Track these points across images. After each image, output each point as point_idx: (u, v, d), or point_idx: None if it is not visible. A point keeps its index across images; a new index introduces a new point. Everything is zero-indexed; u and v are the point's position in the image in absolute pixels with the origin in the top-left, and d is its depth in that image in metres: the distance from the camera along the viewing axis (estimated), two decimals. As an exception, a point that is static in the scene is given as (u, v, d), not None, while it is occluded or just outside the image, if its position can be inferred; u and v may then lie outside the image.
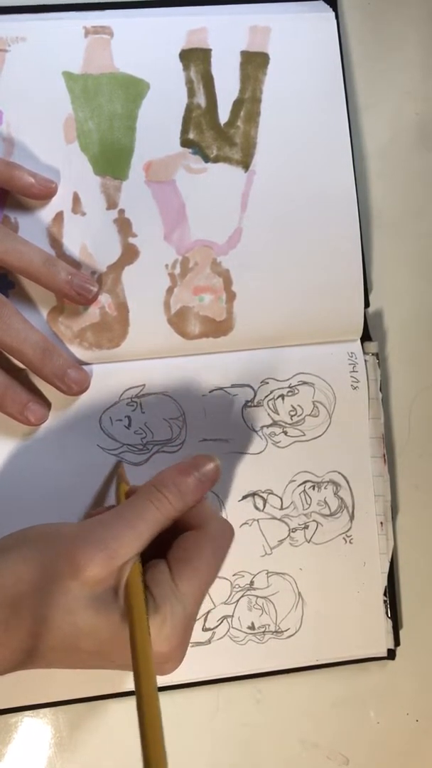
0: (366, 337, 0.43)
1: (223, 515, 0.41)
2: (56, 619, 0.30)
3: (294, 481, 0.42)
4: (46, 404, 0.39)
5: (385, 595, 0.42)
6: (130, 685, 0.40)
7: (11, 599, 0.30)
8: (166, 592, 0.31)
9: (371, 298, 0.44)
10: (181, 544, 0.33)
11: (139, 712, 0.27)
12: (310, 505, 0.42)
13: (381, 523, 0.43)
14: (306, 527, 0.42)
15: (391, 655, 0.43)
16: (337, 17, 0.43)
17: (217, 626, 0.41)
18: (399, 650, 0.43)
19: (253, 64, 0.42)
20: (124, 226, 0.41)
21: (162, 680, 0.40)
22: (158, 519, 0.32)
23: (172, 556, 0.33)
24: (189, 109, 0.41)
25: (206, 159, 0.41)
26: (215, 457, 0.35)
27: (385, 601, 0.42)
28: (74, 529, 0.32)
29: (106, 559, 0.30)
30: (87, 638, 0.30)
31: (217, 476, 0.35)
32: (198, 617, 0.40)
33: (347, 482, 0.42)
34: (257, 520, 0.41)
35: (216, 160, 0.41)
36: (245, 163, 0.42)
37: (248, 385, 0.42)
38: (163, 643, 0.31)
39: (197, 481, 0.34)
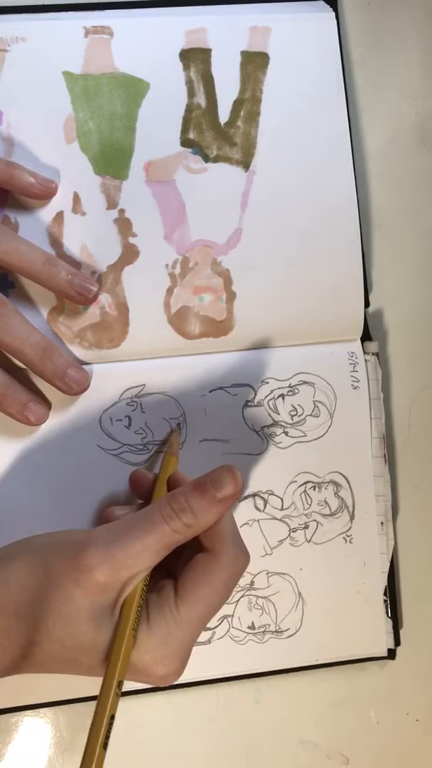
0: (366, 336, 0.43)
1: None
2: (58, 631, 0.30)
3: (295, 481, 0.42)
4: (46, 404, 0.39)
5: (385, 594, 0.42)
6: (130, 685, 0.40)
7: (15, 607, 0.30)
8: (165, 616, 0.31)
9: (371, 298, 0.44)
10: (191, 568, 0.32)
11: (89, 730, 0.29)
12: (310, 505, 0.42)
13: (381, 522, 0.43)
14: (306, 527, 0.42)
15: (391, 654, 0.43)
16: (337, 17, 0.43)
17: (217, 626, 0.41)
18: (399, 650, 0.43)
19: (253, 64, 0.42)
20: (124, 226, 0.41)
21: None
22: (169, 538, 0.31)
23: (180, 579, 0.32)
24: (189, 109, 0.41)
25: (206, 159, 0.41)
26: (234, 470, 0.33)
27: (385, 601, 0.42)
28: (81, 537, 0.32)
29: (112, 567, 0.30)
30: (85, 653, 0.30)
31: (237, 492, 0.32)
32: (193, 647, 0.40)
33: (348, 482, 0.42)
34: (258, 521, 0.41)
35: (216, 160, 0.41)
36: (245, 163, 0.42)
37: (248, 385, 0.42)
38: (158, 664, 0.30)
39: (214, 502, 0.32)
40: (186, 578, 0.32)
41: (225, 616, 0.41)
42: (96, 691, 0.39)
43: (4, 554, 0.33)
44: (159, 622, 0.31)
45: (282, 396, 0.42)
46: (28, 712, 0.40)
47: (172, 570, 0.33)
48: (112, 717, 0.29)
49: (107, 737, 0.28)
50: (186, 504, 0.32)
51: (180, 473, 0.36)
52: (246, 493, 0.41)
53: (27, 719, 0.40)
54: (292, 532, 0.42)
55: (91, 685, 0.40)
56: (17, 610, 0.30)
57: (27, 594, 0.30)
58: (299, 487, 0.42)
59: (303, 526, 0.42)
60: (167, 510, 0.32)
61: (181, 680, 0.40)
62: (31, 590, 0.30)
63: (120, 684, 0.30)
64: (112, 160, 0.40)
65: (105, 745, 0.28)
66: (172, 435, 0.40)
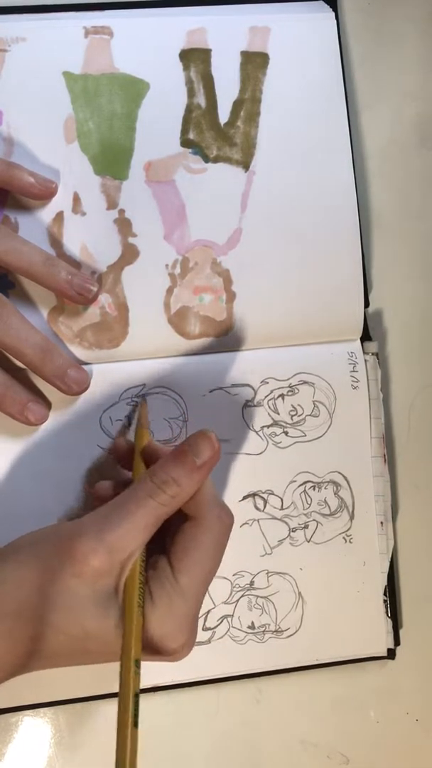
0: (366, 336, 0.43)
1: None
2: (62, 622, 0.30)
3: (294, 481, 0.42)
4: (46, 404, 0.39)
5: (385, 594, 0.42)
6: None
7: (14, 606, 0.30)
8: (166, 589, 0.31)
9: (371, 298, 0.44)
10: (180, 537, 0.33)
11: (118, 711, 0.28)
12: (310, 504, 0.42)
13: (381, 522, 0.43)
14: (306, 527, 0.42)
15: (391, 654, 0.43)
16: (337, 17, 0.43)
17: (217, 626, 0.41)
18: (399, 650, 0.43)
19: (253, 64, 0.42)
20: (124, 226, 0.41)
21: (162, 680, 0.41)
22: (157, 512, 0.32)
23: (172, 551, 0.33)
24: (189, 109, 0.41)
25: (206, 159, 0.41)
26: (210, 433, 0.33)
27: (385, 601, 0.42)
28: (70, 527, 0.32)
29: (107, 551, 0.30)
30: (94, 640, 0.30)
31: (216, 455, 0.33)
32: (198, 616, 0.40)
33: (347, 482, 0.42)
34: (257, 520, 0.41)
35: (216, 160, 0.41)
36: (245, 163, 0.42)
37: (248, 385, 0.42)
38: (168, 638, 0.31)
39: (195, 468, 0.32)
40: (177, 548, 0.32)
41: (225, 616, 0.41)
42: (96, 691, 0.40)
43: None
44: (161, 596, 0.31)
45: (282, 396, 0.42)
46: (28, 712, 0.40)
47: (163, 545, 0.34)
48: (137, 695, 0.29)
49: (136, 716, 0.28)
50: (167, 476, 0.32)
51: (153, 443, 0.36)
52: (246, 493, 0.42)
53: (27, 719, 0.40)
54: (292, 531, 0.42)
55: (92, 685, 0.40)
56: (18, 609, 0.30)
57: (25, 592, 0.30)
58: (299, 486, 0.42)
59: (303, 525, 0.42)
60: (150, 485, 0.32)
61: (181, 680, 0.40)
62: (29, 588, 0.30)
63: (138, 663, 0.29)
64: (112, 160, 0.40)
65: (135, 724, 0.28)
66: (140, 409, 0.40)
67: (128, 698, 0.28)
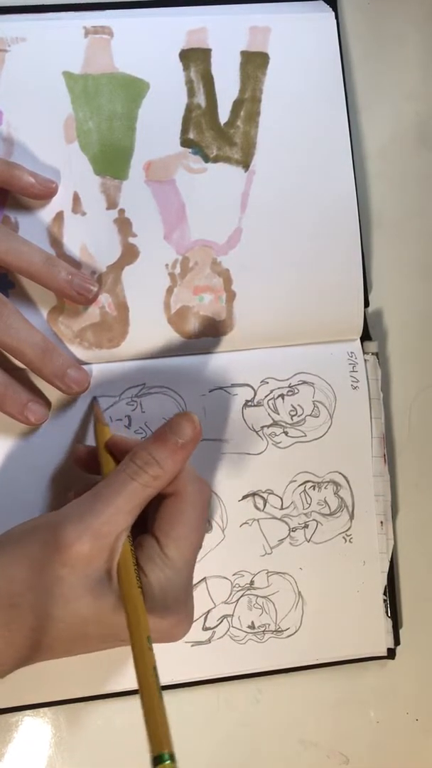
0: (366, 336, 0.43)
1: (223, 515, 0.41)
2: (58, 612, 0.30)
3: (294, 481, 0.42)
4: (46, 404, 0.39)
5: (384, 594, 0.42)
6: (130, 685, 0.40)
7: (8, 600, 0.30)
8: (158, 565, 0.31)
9: (371, 298, 0.44)
10: (162, 513, 0.33)
11: (140, 692, 0.28)
12: (310, 504, 0.42)
13: (381, 522, 0.43)
14: (306, 527, 0.42)
15: (390, 654, 0.43)
16: (337, 17, 0.43)
17: (217, 625, 0.41)
18: (399, 650, 0.43)
19: (253, 64, 0.42)
20: (124, 226, 0.41)
21: (162, 680, 0.41)
22: (140, 493, 0.32)
23: (156, 527, 0.33)
24: (189, 109, 0.41)
25: (206, 159, 0.41)
26: (191, 414, 0.34)
27: (384, 601, 0.42)
28: (53, 517, 0.32)
29: (91, 537, 0.30)
30: (93, 624, 0.31)
31: (197, 435, 0.33)
32: (198, 616, 0.40)
33: (347, 482, 0.42)
34: (257, 520, 0.41)
35: (216, 160, 0.41)
36: (245, 163, 0.42)
37: (248, 385, 0.42)
38: (167, 613, 0.31)
39: (176, 446, 0.33)
40: (162, 525, 0.33)
41: (225, 616, 0.41)
42: (96, 691, 0.40)
43: None
44: (155, 572, 0.31)
45: (282, 396, 0.42)
46: (28, 712, 0.40)
47: (143, 523, 0.34)
48: (155, 669, 0.29)
49: (160, 689, 0.28)
50: (150, 456, 0.32)
51: (117, 436, 0.36)
52: (246, 493, 0.42)
53: (27, 719, 0.40)
54: (292, 531, 0.42)
55: (92, 685, 0.40)
56: (12, 603, 0.30)
57: (18, 585, 0.30)
58: (299, 486, 0.42)
59: (303, 525, 0.42)
60: (132, 467, 0.32)
61: (181, 680, 0.40)
62: (21, 581, 0.30)
63: (149, 639, 0.29)
64: (112, 160, 0.40)
65: (161, 696, 0.28)
66: (94, 409, 0.39)
67: (149, 673, 0.28)
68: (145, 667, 0.28)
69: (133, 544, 0.32)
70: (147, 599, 0.31)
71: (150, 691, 0.28)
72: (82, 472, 0.39)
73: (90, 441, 0.40)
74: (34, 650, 0.31)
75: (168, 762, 0.26)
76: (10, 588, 0.30)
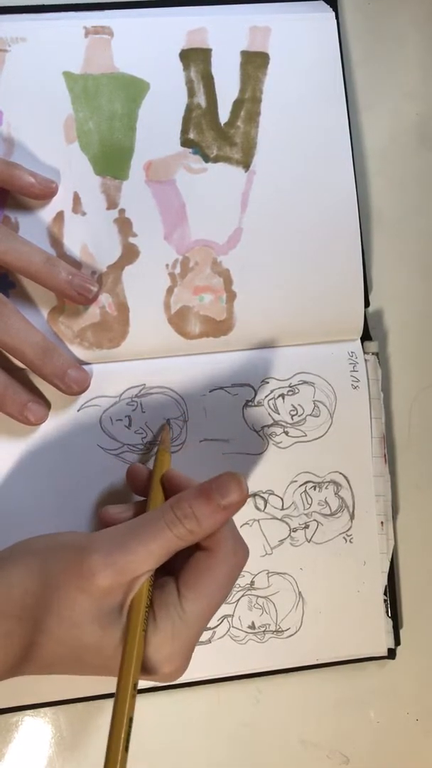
0: (366, 336, 0.43)
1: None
2: (62, 633, 0.30)
3: (295, 481, 0.42)
4: (46, 404, 0.39)
5: (385, 594, 0.42)
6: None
7: (18, 611, 0.30)
8: (170, 614, 0.31)
9: (371, 298, 0.44)
10: (192, 565, 0.32)
11: (109, 733, 0.28)
12: (310, 504, 0.42)
13: (381, 522, 0.43)
14: (306, 527, 0.42)
15: (391, 654, 0.43)
16: (337, 17, 0.43)
17: (217, 626, 0.41)
18: (399, 650, 0.43)
19: (253, 64, 0.42)
20: (124, 226, 0.41)
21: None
22: (172, 542, 0.31)
23: (182, 576, 0.32)
24: (189, 109, 0.41)
25: (206, 159, 0.41)
26: (240, 477, 0.32)
27: (385, 601, 0.42)
28: (82, 540, 0.32)
29: (116, 572, 0.30)
30: (91, 654, 0.30)
31: (243, 500, 0.32)
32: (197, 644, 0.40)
33: (348, 482, 0.42)
34: (258, 521, 0.41)
35: (216, 160, 0.41)
36: (245, 163, 0.42)
37: (248, 385, 0.42)
38: (164, 662, 0.31)
39: (219, 509, 0.31)
40: (188, 576, 0.32)
41: (225, 616, 0.41)
42: (96, 691, 0.40)
43: (5, 557, 0.32)
44: (165, 621, 0.31)
45: (282, 396, 0.42)
46: (28, 712, 0.40)
47: (170, 567, 0.33)
48: (131, 719, 0.29)
49: (128, 740, 0.28)
50: (190, 511, 0.31)
51: (174, 471, 0.36)
52: (246, 493, 0.42)
53: (27, 719, 0.40)
54: (293, 531, 0.42)
55: (91, 685, 0.40)
56: (20, 614, 0.30)
57: (30, 598, 0.30)
58: (299, 486, 0.42)
59: (303, 525, 0.42)
60: (171, 516, 0.31)
61: (181, 680, 0.40)
62: (33, 594, 0.30)
63: (135, 686, 0.29)
64: (112, 160, 0.40)
65: (126, 748, 0.28)
66: (162, 431, 0.40)
67: (122, 722, 0.28)
68: (121, 714, 0.28)
69: (152, 585, 0.32)
70: (148, 645, 0.30)
71: (116, 741, 0.28)
72: (82, 473, 0.39)
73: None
74: (28, 664, 0.31)
75: None
76: (22, 601, 0.30)
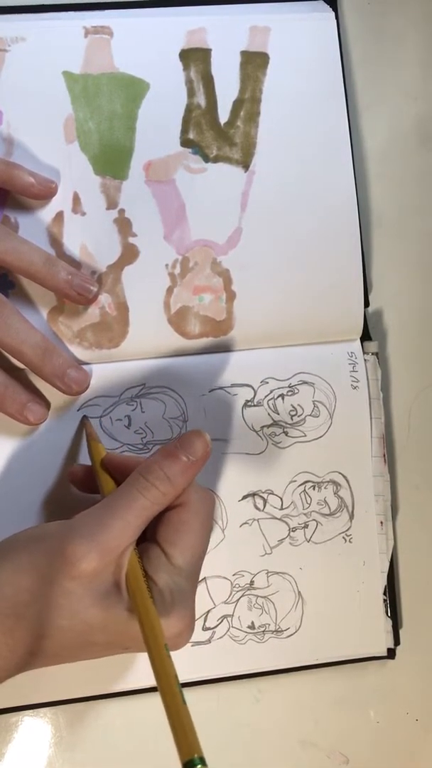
0: (366, 336, 0.43)
1: (223, 515, 0.41)
2: (65, 622, 0.30)
3: (294, 481, 0.42)
4: (46, 404, 0.39)
5: (384, 594, 0.42)
6: (130, 685, 0.40)
7: (13, 609, 0.30)
8: (165, 573, 0.32)
9: (371, 298, 0.44)
10: (168, 524, 0.33)
11: (162, 699, 0.28)
12: (310, 504, 0.42)
13: (381, 522, 0.43)
14: (306, 527, 0.42)
15: (390, 654, 0.43)
16: (337, 17, 0.43)
17: (217, 625, 0.41)
18: (399, 649, 0.43)
19: (253, 64, 0.42)
20: (124, 226, 0.41)
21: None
22: (148, 508, 0.32)
23: (162, 537, 0.33)
24: (189, 109, 0.41)
25: (206, 159, 0.41)
26: (203, 433, 0.34)
27: (384, 601, 0.42)
28: (62, 528, 0.32)
29: (99, 553, 0.30)
30: (99, 633, 0.31)
31: (208, 453, 0.34)
32: (198, 616, 0.40)
33: (347, 482, 0.42)
34: (257, 520, 0.41)
35: (216, 160, 0.41)
36: (245, 163, 0.42)
37: (248, 385, 0.42)
38: (175, 621, 0.31)
39: (187, 464, 0.33)
40: (167, 535, 0.33)
41: (225, 616, 0.41)
42: (96, 691, 0.40)
43: None
44: (164, 580, 0.31)
45: (282, 396, 0.42)
46: (28, 712, 0.40)
47: (146, 532, 0.34)
48: (176, 676, 0.29)
49: (183, 695, 0.28)
50: (161, 472, 0.32)
51: (111, 454, 0.37)
52: (246, 493, 0.42)
53: (27, 719, 0.40)
54: (292, 531, 0.42)
55: (92, 685, 0.40)
56: (16, 611, 0.30)
57: (22, 594, 0.30)
58: (299, 486, 0.42)
59: (303, 525, 0.42)
60: (143, 483, 0.32)
61: (181, 680, 0.40)
62: (26, 590, 0.30)
63: (166, 647, 0.29)
64: (112, 160, 0.40)
65: (183, 701, 0.28)
66: (85, 425, 0.39)
67: (172, 682, 0.28)
68: (167, 676, 0.28)
69: (139, 555, 0.32)
70: (158, 605, 0.31)
71: (175, 699, 0.28)
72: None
73: (84, 458, 0.40)
74: (38, 656, 0.31)
75: (199, 766, 0.26)
76: (16, 597, 0.30)
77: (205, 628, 0.41)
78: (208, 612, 0.41)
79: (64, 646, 0.31)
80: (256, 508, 0.42)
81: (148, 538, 0.34)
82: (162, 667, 0.29)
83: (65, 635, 0.30)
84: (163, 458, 0.33)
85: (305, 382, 0.42)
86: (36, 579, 0.30)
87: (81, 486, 0.38)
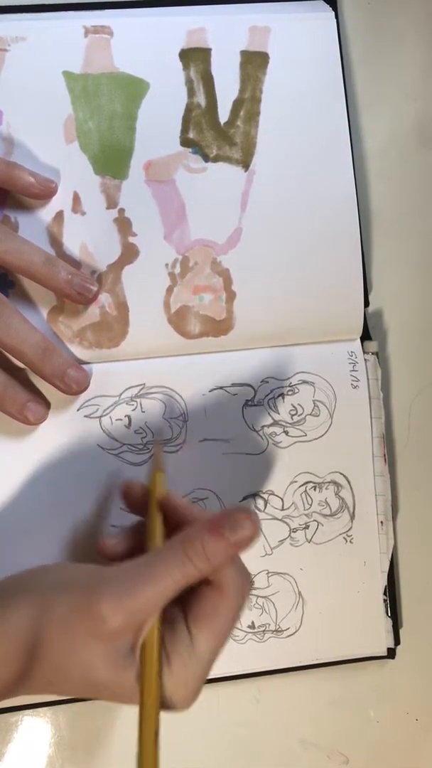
0: (366, 336, 0.43)
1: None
2: (76, 673, 0.30)
3: (295, 482, 0.42)
4: (46, 404, 0.39)
5: (385, 594, 0.42)
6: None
7: (29, 647, 0.30)
8: (183, 655, 0.31)
9: (371, 297, 0.44)
10: (200, 602, 0.32)
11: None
12: (311, 505, 0.42)
13: (381, 522, 0.43)
14: (307, 527, 0.42)
15: (391, 654, 0.43)
16: (337, 17, 0.43)
17: (217, 626, 0.41)
18: (399, 649, 0.43)
19: (253, 63, 0.42)
20: (124, 225, 0.41)
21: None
22: (181, 582, 0.31)
23: (191, 615, 0.32)
24: (189, 109, 0.41)
25: (206, 158, 0.41)
26: (251, 513, 0.32)
27: (385, 600, 0.42)
28: (90, 580, 0.31)
29: (126, 616, 0.30)
30: (105, 691, 0.30)
31: (254, 539, 0.31)
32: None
33: (348, 482, 0.42)
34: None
35: (216, 159, 0.41)
36: (245, 163, 0.42)
37: (248, 385, 0.42)
38: (179, 701, 0.31)
39: (229, 546, 0.31)
40: (197, 614, 0.32)
41: (225, 616, 0.41)
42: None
43: (11, 587, 0.32)
44: (179, 664, 0.31)
45: (282, 395, 0.42)
46: (28, 711, 0.40)
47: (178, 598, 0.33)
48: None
49: None
50: (201, 548, 0.31)
51: (170, 494, 0.35)
52: (246, 493, 0.41)
53: (27, 719, 0.40)
54: (293, 532, 0.42)
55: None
56: (34, 655, 0.30)
57: (40, 638, 0.30)
58: (300, 487, 0.42)
59: (303, 526, 0.42)
60: (181, 557, 0.31)
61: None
62: (43, 634, 0.30)
63: (157, 733, 0.30)
64: (111, 159, 0.40)
65: None
66: (155, 450, 0.39)
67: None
68: (149, 763, 0.29)
69: (162, 622, 0.31)
70: (164, 687, 0.30)
71: None
72: (81, 473, 0.39)
73: (84, 461, 0.39)
74: (44, 690, 0.31)
75: None
76: (35, 641, 0.30)
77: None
78: (208, 612, 0.41)
79: (70, 690, 0.31)
80: (257, 508, 0.42)
81: (175, 602, 0.32)
82: (147, 753, 0.29)
83: (73, 683, 0.30)
84: (207, 533, 0.31)
85: (305, 382, 0.42)
86: (56, 626, 0.30)
87: (131, 506, 0.37)
